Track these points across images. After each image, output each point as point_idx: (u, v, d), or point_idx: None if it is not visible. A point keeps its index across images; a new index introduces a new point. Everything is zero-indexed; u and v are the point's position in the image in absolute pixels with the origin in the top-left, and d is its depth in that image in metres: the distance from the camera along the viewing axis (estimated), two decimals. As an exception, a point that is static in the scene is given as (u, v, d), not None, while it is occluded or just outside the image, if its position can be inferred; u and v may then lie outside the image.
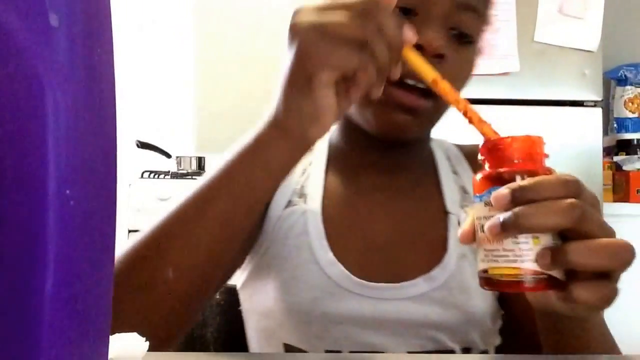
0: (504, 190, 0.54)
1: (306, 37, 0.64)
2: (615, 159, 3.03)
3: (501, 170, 0.56)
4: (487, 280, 0.56)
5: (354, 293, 0.86)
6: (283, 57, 0.68)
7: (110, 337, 0.48)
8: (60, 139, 0.35)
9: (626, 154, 3.02)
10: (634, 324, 2.45)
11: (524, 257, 0.54)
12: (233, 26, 3.38)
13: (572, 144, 2.57)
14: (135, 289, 0.67)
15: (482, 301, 0.87)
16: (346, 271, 0.87)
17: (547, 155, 0.58)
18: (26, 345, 0.34)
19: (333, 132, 0.99)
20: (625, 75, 3.12)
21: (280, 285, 0.88)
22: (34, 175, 0.34)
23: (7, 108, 0.34)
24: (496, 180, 0.56)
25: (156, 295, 0.67)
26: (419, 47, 0.78)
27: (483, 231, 0.56)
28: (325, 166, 0.96)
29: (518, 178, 0.55)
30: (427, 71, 0.65)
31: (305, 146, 0.70)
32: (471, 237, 0.59)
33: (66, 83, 0.36)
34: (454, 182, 0.98)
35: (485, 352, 0.89)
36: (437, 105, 0.85)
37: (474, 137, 0.98)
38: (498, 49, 2.49)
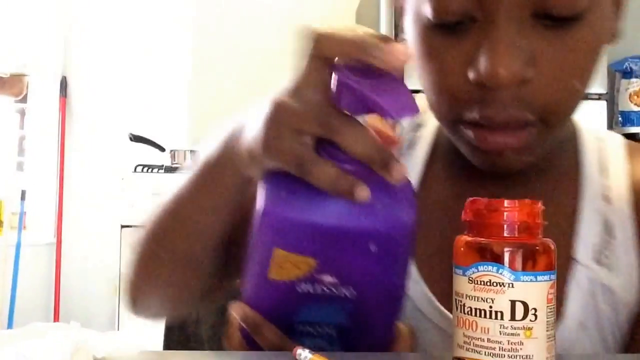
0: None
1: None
2: (621, 151, 3.00)
3: (491, 242, 0.49)
4: None
5: (430, 321, 0.71)
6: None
7: (103, 335, 0.48)
8: None
9: (631, 147, 3.00)
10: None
11: (512, 351, 0.47)
12: (230, 20, 3.37)
13: (577, 137, 2.56)
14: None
15: None
16: (429, 293, 0.71)
17: (545, 224, 0.50)
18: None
19: None
20: (630, 68, 3.05)
21: None
22: None
23: None
24: (484, 252, 0.48)
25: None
26: (480, 84, 0.60)
27: (464, 312, 0.49)
28: (425, 161, 0.77)
29: (509, 253, 0.48)
30: None
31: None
32: None
33: None
34: (598, 213, 0.70)
35: None
36: (541, 128, 0.63)
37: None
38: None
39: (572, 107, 0.65)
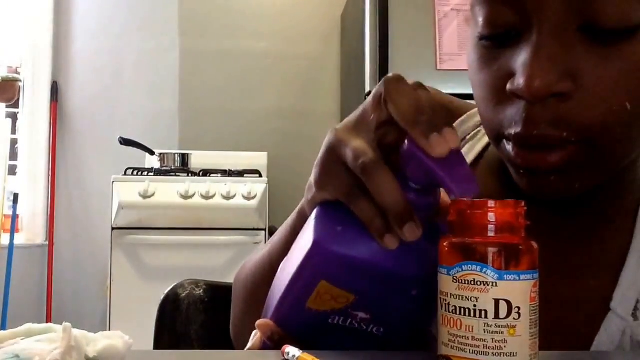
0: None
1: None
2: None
3: (475, 241, 0.49)
4: None
5: None
6: None
7: (95, 334, 0.49)
8: None
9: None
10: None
11: (496, 349, 0.47)
12: (218, 25, 3.37)
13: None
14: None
15: None
16: None
17: (528, 223, 0.50)
18: None
19: None
20: None
21: None
22: None
23: None
24: (467, 252, 0.49)
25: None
26: (516, 96, 0.58)
27: (449, 310, 0.49)
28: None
29: (493, 252, 0.48)
30: None
31: None
32: None
33: None
34: None
35: None
36: (586, 150, 0.58)
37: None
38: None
39: (623, 131, 0.58)
